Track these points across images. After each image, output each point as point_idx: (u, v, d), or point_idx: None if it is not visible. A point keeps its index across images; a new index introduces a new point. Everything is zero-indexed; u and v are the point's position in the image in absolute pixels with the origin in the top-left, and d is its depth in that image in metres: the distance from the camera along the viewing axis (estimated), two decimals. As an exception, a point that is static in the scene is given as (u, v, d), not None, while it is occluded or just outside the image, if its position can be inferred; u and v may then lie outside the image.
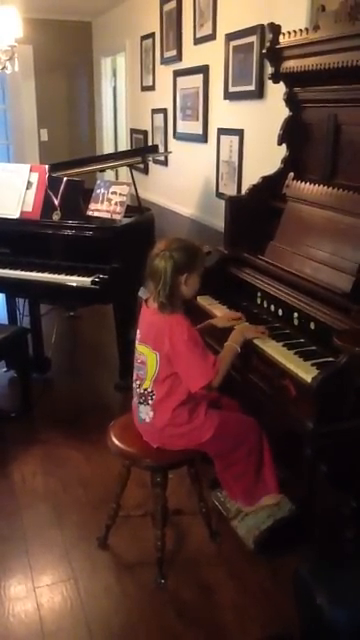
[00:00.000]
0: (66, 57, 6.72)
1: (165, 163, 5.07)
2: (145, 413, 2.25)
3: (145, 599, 2.22)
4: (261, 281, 2.57)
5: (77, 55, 6.79)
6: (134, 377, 2.29)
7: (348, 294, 2.09)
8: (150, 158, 4.86)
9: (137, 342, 2.27)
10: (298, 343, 2.22)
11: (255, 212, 2.77)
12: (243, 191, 3.17)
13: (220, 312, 2.60)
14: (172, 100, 4.73)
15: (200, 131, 4.23)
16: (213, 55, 3.89)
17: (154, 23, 4.92)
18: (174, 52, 4.55)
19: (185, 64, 4.43)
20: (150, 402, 2.22)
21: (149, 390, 2.22)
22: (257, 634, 2.06)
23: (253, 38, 3.31)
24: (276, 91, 2.87)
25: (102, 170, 4.57)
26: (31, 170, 3.59)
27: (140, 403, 2.26)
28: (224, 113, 3.88)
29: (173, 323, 2.13)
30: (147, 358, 2.20)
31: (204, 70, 4.05)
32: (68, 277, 3.32)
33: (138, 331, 2.27)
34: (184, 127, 4.58)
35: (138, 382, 2.26)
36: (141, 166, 5.17)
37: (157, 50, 4.97)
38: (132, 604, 2.19)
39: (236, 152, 3.71)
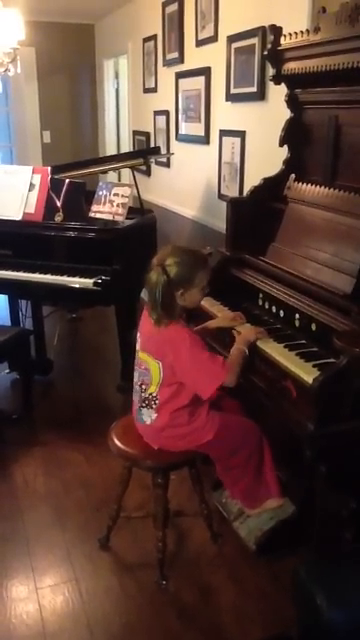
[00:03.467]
0: (69, 59, 6.74)
1: (167, 165, 5.08)
2: (147, 415, 2.25)
3: (146, 600, 2.22)
4: (262, 282, 2.57)
5: (80, 57, 6.81)
6: (137, 381, 2.27)
7: (349, 295, 2.08)
8: (152, 160, 4.88)
9: (138, 348, 2.25)
10: (299, 344, 2.22)
11: (256, 213, 2.77)
12: (245, 192, 3.17)
13: (221, 313, 2.60)
14: (174, 102, 4.73)
15: (202, 133, 4.23)
16: (215, 57, 3.90)
17: (156, 25, 4.93)
18: (176, 54, 4.56)
19: (187, 66, 4.43)
20: (154, 406, 2.22)
21: (154, 395, 2.21)
22: (257, 635, 2.06)
23: (255, 40, 3.31)
24: (277, 93, 2.88)
25: (104, 172, 4.57)
26: (33, 172, 3.60)
27: (142, 406, 2.26)
28: (226, 115, 3.89)
29: (172, 334, 2.10)
30: (150, 365, 2.18)
31: (206, 72, 4.06)
32: (70, 278, 3.33)
33: (139, 336, 2.26)
34: (186, 129, 4.59)
35: (144, 387, 2.24)
36: (143, 168, 5.18)
37: (159, 52, 4.98)
38: (133, 605, 2.19)
39: (238, 153, 3.71)
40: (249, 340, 2.22)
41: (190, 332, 2.14)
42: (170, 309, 2.10)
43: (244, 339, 2.22)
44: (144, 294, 2.20)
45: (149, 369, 2.19)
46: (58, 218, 3.48)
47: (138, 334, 2.26)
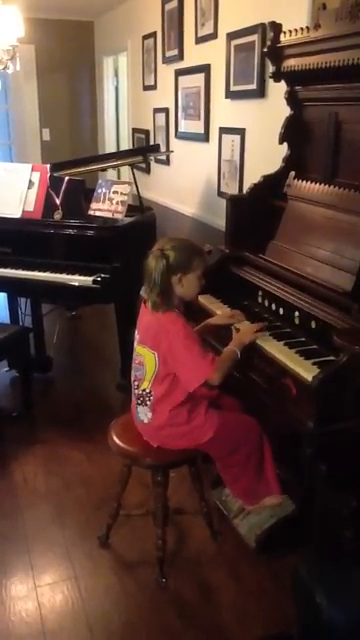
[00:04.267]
0: (68, 57, 6.73)
1: (167, 162, 5.07)
2: (144, 414, 2.25)
3: (146, 598, 2.21)
4: (262, 280, 2.57)
5: (79, 55, 6.79)
6: (132, 378, 2.29)
7: (349, 293, 2.08)
8: (152, 157, 4.85)
9: (136, 343, 2.26)
10: (299, 342, 2.21)
11: (256, 211, 2.77)
12: (245, 190, 3.16)
13: (221, 311, 2.60)
14: (174, 99, 4.73)
15: (202, 130, 4.23)
16: (214, 54, 3.89)
17: (156, 22, 4.92)
18: (176, 51, 4.55)
19: (187, 63, 4.43)
20: (148, 403, 2.22)
21: (147, 391, 2.21)
22: (257, 633, 2.05)
23: (254, 37, 3.30)
24: (277, 90, 2.87)
25: (104, 169, 4.56)
26: (33, 169, 3.59)
27: (138, 404, 2.26)
28: (226, 112, 3.88)
29: (168, 322, 2.12)
30: (145, 358, 2.19)
31: (206, 69, 4.05)
32: (70, 276, 3.32)
33: (136, 332, 2.27)
34: (186, 126, 4.58)
35: (136, 383, 2.26)
36: (143, 165, 5.17)
37: (159, 49, 4.97)
38: (133, 603, 2.19)
39: (238, 151, 3.70)
40: (244, 343, 2.21)
41: (185, 324, 2.15)
42: (167, 295, 2.13)
43: (239, 341, 2.22)
44: (144, 291, 2.20)
45: (144, 363, 2.20)
46: (57, 216, 3.48)
47: (136, 331, 2.27)
